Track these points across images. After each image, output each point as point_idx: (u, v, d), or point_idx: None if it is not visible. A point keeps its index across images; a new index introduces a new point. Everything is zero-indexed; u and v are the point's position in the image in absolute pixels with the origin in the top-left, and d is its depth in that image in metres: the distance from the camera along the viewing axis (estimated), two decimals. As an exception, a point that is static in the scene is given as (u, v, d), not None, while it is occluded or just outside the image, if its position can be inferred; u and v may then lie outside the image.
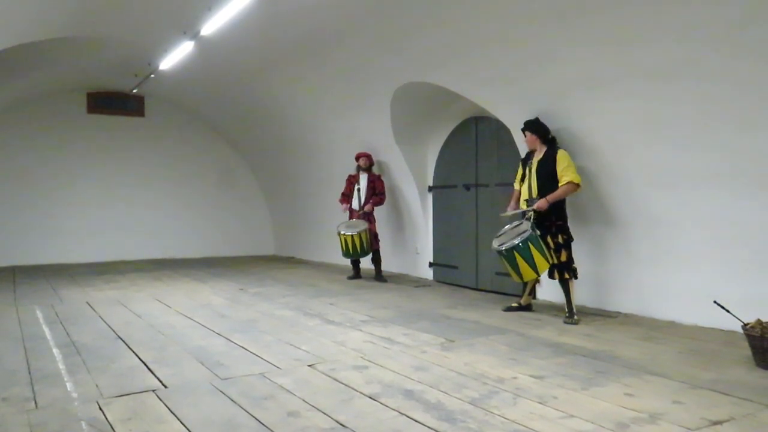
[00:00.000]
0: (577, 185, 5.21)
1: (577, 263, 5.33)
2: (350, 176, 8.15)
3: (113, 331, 4.84)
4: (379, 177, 8.02)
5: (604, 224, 5.60)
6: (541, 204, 5.20)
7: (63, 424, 2.77)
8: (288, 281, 8.02)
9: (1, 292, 7.09)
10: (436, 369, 3.67)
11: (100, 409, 2.97)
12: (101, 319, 5.37)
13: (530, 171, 5.44)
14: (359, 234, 7.53)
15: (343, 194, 8.15)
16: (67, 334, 4.73)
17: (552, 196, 5.21)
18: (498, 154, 6.87)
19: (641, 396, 3.13)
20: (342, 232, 7.63)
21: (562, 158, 5.26)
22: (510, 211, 5.58)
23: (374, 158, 8.15)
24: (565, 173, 5.21)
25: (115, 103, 11.10)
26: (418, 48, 6.36)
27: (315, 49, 7.33)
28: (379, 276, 7.92)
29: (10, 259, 10.18)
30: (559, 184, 5.23)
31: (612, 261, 5.60)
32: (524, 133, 5.54)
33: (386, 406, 3.00)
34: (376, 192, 7.93)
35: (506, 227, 5.44)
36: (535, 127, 5.45)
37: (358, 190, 7.98)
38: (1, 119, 10.16)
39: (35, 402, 3.09)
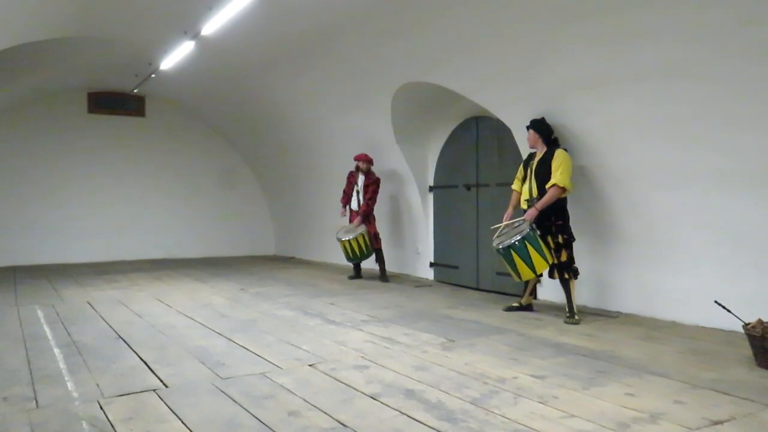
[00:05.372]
0: (563, 188, 5.15)
1: (578, 263, 5.33)
2: (350, 173, 8.10)
3: (114, 330, 4.84)
4: (375, 181, 7.86)
5: (604, 224, 5.60)
6: (531, 213, 5.19)
7: (64, 424, 2.77)
8: (289, 281, 8.02)
9: (2, 292, 7.09)
10: (436, 369, 3.67)
11: (101, 408, 2.97)
12: (102, 318, 5.37)
13: (531, 171, 5.44)
14: (355, 238, 7.53)
15: (344, 192, 8.12)
16: (68, 333, 4.74)
17: (540, 203, 5.18)
18: (499, 154, 6.86)
19: (642, 396, 3.13)
20: (341, 238, 7.64)
21: (556, 157, 5.22)
22: (504, 222, 5.53)
23: (373, 158, 8.09)
24: (553, 175, 5.16)
25: (115, 103, 11.11)
26: (418, 48, 6.36)
27: (315, 49, 7.33)
28: (383, 275, 7.91)
29: (10, 258, 10.18)
30: (546, 186, 5.20)
31: (612, 261, 5.60)
32: (528, 131, 5.53)
33: (387, 405, 3.00)
34: (365, 198, 7.77)
35: (506, 226, 5.44)
36: (538, 126, 5.44)
37: (357, 192, 7.98)
38: (1, 119, 10.17)
39: (36, 401, 3.09)
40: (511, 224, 5.39)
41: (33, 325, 5.11)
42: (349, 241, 7.56)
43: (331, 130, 9.07)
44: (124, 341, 4.46)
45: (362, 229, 7.65)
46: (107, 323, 5.14)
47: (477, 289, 7.12)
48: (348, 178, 8.13)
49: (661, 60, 4.50)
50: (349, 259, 7.80)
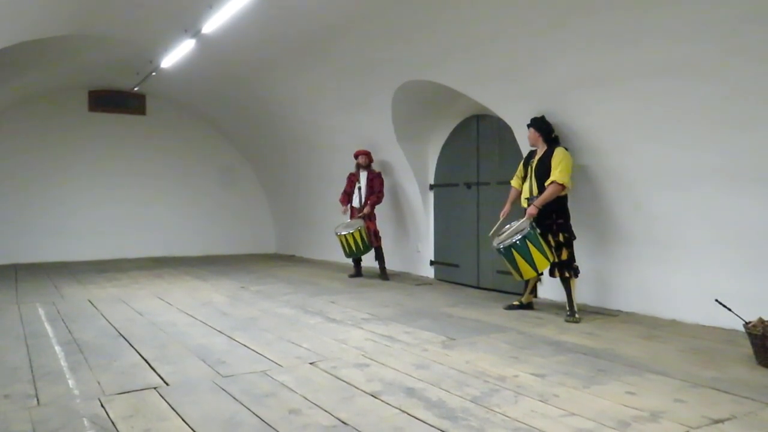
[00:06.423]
0: (562, 185, 5.15)
1: (578, 261, 5.33)
2: (351, 174, 8.15)
3: (115, 328, 4.85)
4: (378, 175, 7.98)
5: (605, 222, 5.60)
6: (531, 211, 5.20)
7: (65, 421, 2.77)
8: (289, 279, 8.02)
9: (3, 290, 7.10)
10: (437, 367, 3.67)
11: (102, 406, 2.98)
12: (103, 316, 5.38)
13: (531, 170, 5.44)
14: (352, 233, 7.55)
15: (344, 193, 8.15)
16: (69, 331, 4.74)
17: (539, 201, 5.19)
18: (499, 153, 6.86)
19: (642, 394, 3.13)
20: (339, 233, 7.66)
21: (556, 155, 5.22)
22: (501, 220, 5.58)
23: (374, 156, 8.12)
24: (552, 173, 5.17)
25: (116, 101, 11.12)
26: (419, 46, 6.35)
27: (316, 47, 7.33)
28: (383, 274, 7.92)
29: (11, 256, 10.19)
30: (545, 184, 5.21)
31: (613, 259, 5.60)
32: (528, 129, 5.53)
33: (387, 404, 3.00)
34: (374, 191, 7.90)
35: (507, 225, 5.44)
36: (539, 124, 5.44)
37: (359, 189, 7.99)
38: (2, 117, 10.17)
39: (37, 399, 3.10)
40: (510, 225, 5.40)
41: (34, 322, 5.12)
42: (345, 236, 7.59)
43: (331, 128, 9.07)
44: (125, 339, 4.47)
45: (360, 223, 7.66)
46: (108, 321, 5.15)
47: (477, 287, 7.12)
48: (348, 178, 8.15)
49: (663, 58, 4.49)
50: (347, 254, 7.81)
